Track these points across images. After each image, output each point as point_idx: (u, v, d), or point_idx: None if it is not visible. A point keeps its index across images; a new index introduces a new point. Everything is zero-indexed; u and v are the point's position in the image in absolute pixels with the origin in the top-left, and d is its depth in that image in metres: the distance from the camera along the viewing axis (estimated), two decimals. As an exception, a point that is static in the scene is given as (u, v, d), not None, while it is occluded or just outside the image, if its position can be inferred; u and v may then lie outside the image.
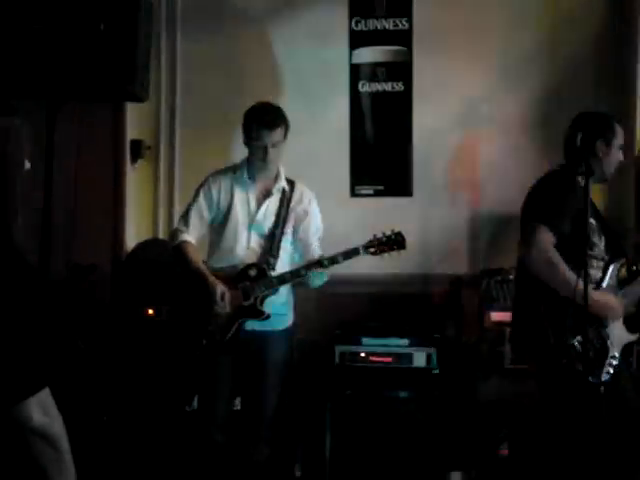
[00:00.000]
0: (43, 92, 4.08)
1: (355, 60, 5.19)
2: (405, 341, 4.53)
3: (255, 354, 3.89)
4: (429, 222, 4.99)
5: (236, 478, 3.93)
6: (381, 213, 4.92)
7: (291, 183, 4.01)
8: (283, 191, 3.97)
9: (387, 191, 5.17)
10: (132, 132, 5.15)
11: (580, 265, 3.32)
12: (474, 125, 5.06)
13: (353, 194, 5.18)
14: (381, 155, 5.20)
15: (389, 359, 4.51)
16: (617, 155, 3.65)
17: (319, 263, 3.81)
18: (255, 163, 3.92)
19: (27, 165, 2.29)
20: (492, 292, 4.56)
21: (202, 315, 3.83)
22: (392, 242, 3.86)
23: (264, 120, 3.87)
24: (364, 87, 5.20)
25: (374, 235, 3.86)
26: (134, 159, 5.16)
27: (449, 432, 4.42)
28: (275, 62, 5.16)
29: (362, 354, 4.53)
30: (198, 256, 3.93)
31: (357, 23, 5.18)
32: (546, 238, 3.44)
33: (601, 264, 3.60)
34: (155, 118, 5.23)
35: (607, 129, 3.62)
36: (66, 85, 4.02)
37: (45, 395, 2.21)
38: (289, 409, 4.41)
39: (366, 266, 4.69)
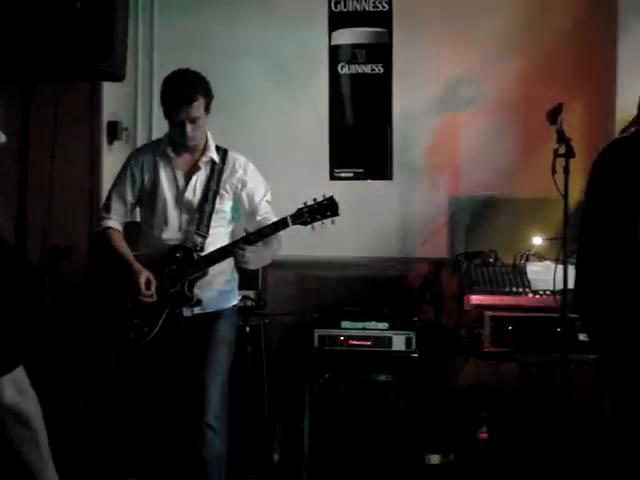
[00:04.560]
0: (18, 71, 4.02)
1: (334, 41, 5.15)
2: (384, 325, 4.51)
3: (196, 335, 3.63)
4: (409, 205, 4.99)
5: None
6: (361, 196, 4.90)
7: (223, 152, 3.70)
8: (212, 163, 3.66)
9: (367, 174, 5.15)
10: (109, 114, 5.09)
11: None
12: (454, 108, 5.04)
13: (332, 177, 5.15)
14: (361, 138, 5.17)
15: (368, 343, 4.49)
16: None
17: (245, 239, 3.50)
18: (176, 139, 3.62)
19: (2, 138, 2.22)
20: (472, 275, 4.54)
21: (128, 305, 3.60)
22: (324, 208, 3.46)
23: (180, 93, 3.50)
24: (343, 69, 5.16)
25: (304, 203, 3.49)
26: (111, 141, 5.10)
27: (428, 415, 4.42)
28: (254, 43, 5.11)
29: (341, 338, 4.50)
30: (122, 242, 3.68)
31: (336, 4, 5.13)
32: None
33: None
34: (132, 100, 5.18)
35: None
36: (42, 64, 3.96)
37: (20, 373, 2.17)
38: (267, 394, 4.40)
39: (345, 249, 4.72)
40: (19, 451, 2.22)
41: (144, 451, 4.27)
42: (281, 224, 3.49)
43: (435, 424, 4.43)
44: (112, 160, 5.13)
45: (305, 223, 3.48)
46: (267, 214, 3.67)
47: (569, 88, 4.78)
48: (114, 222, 3.69)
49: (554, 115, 3.52)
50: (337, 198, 3.52)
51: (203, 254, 3.57)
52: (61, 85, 4.65)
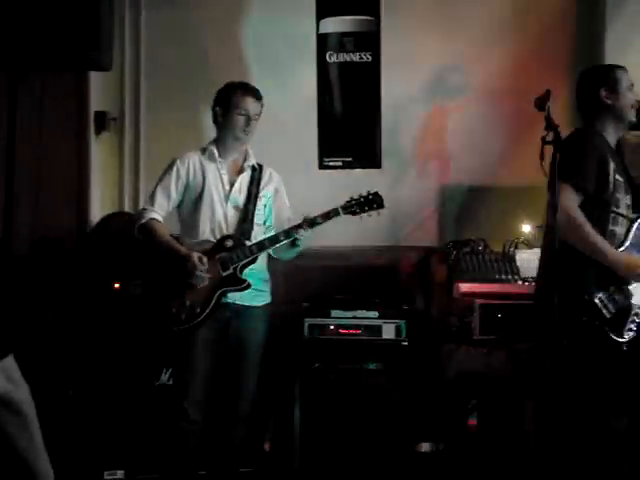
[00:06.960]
0: (6, 61, 4.00)
1: (322, 30, 5.15)
2: (374, 313, 4.52)
3: (236, 331, 3.87)
4: (398, 194, 4.98)
5: (210, 456, 3.93)
6: (350, 185, 4.87)
7: (259, 164, 4.01)
8: (253, 169, 3.97)
9: (356, 163, 5.16)
10: (97, 103, 5.08)
11: (602, 224, 3.41)
12: (443, 95, 5.06)
13: (321, 166, 5.16)
14: (349, 126, 5.19)
15: (358, 331, 4.51)
16: (628, 97, 3.69)
17: (298, 227, 3.80)
18: (230, 136, 3.91)
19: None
20: (461, 263, 4.56)
21: (177, 289, 3.77)
22: (370, 202, 3.88)
23: (251, 89, 3.92)
24: (332, 58, 5.16)
25: (351, 197, 3.87)
26: (98, 131, 5.10)
27: (418, 404, 4.44)
28: (242, 32, 5.11)
29: (331, 327, 4.51)
30: (166, 231, 3.88)
31: (324, -7, 5.13)
32: (571, 198, 3.43)
33: (625, 222, 3.59)
34: (119, 89, 5.17)
35: (608, 77, 3.70)
36: (28, 53, 3.94)
37: (9, 362, 2.18)
38: (259, 383, 4.40)
39: (335, 238, 4.72)
40: (10, 436, 2.23)
41: (134, 442, 4.29)
42: (332, 213, 3.83)
43: (425, 412, 4.45)
44: (100, 150, 5.14)
45: (354, 213, 3.87)
46: (291, 221, 3.94)
47: (557, 75, 4.79)
48: (157, 214, 3.89)
49: (542, 102, 3.51)
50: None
51: (252, 242, 3.83)
52: (48, 75, 4.64)
